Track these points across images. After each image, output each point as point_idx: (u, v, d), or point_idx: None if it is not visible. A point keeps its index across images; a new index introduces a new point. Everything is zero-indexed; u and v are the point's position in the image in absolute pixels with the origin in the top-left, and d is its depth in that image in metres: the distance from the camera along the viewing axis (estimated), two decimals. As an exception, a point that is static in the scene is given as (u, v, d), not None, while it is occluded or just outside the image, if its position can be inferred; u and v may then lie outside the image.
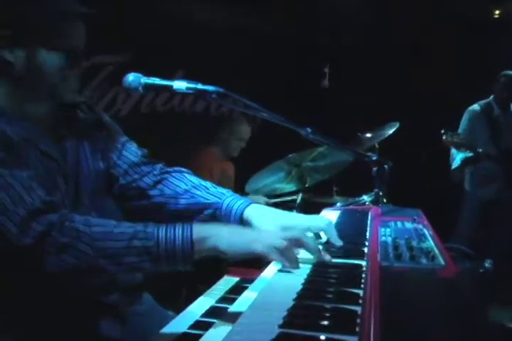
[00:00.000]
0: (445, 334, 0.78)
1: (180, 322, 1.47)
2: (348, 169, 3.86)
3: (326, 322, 0.82)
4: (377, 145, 3.95)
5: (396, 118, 3.99)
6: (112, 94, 4.33)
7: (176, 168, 1.72)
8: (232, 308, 1.39)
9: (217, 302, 1.66)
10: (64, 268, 1.21)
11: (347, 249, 1.40)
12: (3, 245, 1.23)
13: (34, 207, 1.24)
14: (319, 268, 1.21)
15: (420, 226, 1.66)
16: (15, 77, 1.41)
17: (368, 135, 3.99)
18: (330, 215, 2.07)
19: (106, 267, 1.22)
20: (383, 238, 1.46)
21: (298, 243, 1.29)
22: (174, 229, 1.26)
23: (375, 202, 3.69)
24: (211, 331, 1.25)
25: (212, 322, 1.46)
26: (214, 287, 1.81)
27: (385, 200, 3.83)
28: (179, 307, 1.85)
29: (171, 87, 1.58)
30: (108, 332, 1.49)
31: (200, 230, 1.27)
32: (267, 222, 1.51)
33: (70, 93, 1.48)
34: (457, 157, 4.57)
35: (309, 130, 1.87)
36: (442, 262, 1.19)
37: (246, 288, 1.78)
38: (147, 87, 1.59)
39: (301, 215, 1.58)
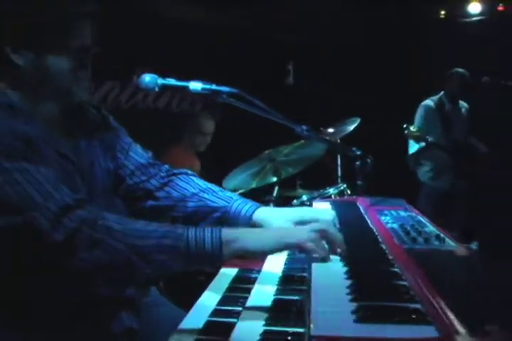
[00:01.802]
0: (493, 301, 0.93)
1: (199, 313, 1.52)
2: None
3: (389, 294, 0.96)
4: (338, 140, 4.14)
5: (356, 114, 4.21)
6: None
7: (182, 170, 1.76)
8: (251, 300, 1.48)
9: (226, 292, 1.75)
10: (96, 265, 1.24)
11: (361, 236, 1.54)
12: (32, 242, 1.24)
13: (65, 203, 1.26)
14: (350, 252, 1.33)
15: (413, 214, 1.82)
16: (23, 80, 1.42)
17: (330, 130, 4.17)
18: (321, 206, 2.21)
19: (137, 264, 1.25)
20: (389, 225, 1.60)
21: (324, 235, 1.34)
22: (203, 231, 1.30)
23: (356, 193, 3.88)
24: (243, 319, 1.34)
25: (233, 310, 1.57)
26: (216, 279, 1.87)
27: (349, 192, 4.03)
28: (180, 298, 1.94)
29: (187, 87, 1.67)
30: (129, 324, 1.55)
31: (229, 232, 1.31)
32: (278, 221, 1.58)
33: (82, 92, 1.50)
34: (413, 146, 4.88)
35: (304, 127, 2.00)
36: (453, 243, 1.35)
37: (249, 277, 1.89)
38: (163, 87, 1.68)
39: (309, 208, 1.67)
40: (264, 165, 3.51)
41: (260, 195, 3.54)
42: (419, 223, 1.62)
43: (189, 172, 1.78)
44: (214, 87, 1.68)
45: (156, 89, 1.68)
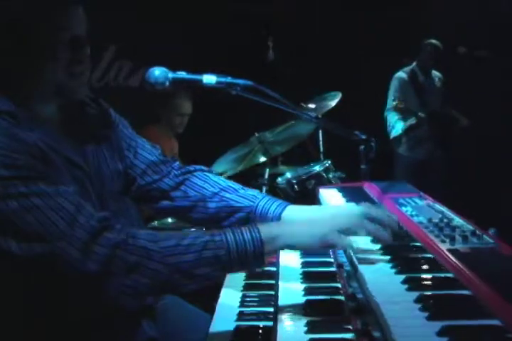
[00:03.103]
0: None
1: (223, 316, 1.53)
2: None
3: (463, 309, 0.94)
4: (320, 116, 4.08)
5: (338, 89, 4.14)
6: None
7: (196, 167, 1.68)
8: (282, 301, 1.45)
9: (244, 290, 1.71)
10: (136, 289, 1.18)
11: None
12: (60, 271, 1.16)
13: (92, 228, 1.18)
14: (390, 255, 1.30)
15: (430, 202, 1.79)
16: (16, 81, 1.30)
17: (312, 106, 4.09)
18: (330, 194, 2.16)
19: (180, 282, 1.21)
20: (415, 218, 1.56)
21: (371, 218, 1.32)
22: (242, 233, 1.25)
23: (327, 170, 3.86)
24: (281, 324, 1.29)
25: (261, 311, 1.55)
26: (228, 275, 1.85)
27: (334, 168, 4.00)
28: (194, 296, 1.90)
29: (200, 81, 1.59)
30: (149, 332, 1.51)
31: (268, 230, 1.28)
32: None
33: (81, 88, 1.38)
34: (396, 125, 4.87)
35: (314, 115, 1.97)
36: (491, 240, 1.33)
37: (262, 272, 1.85)
38: (174, 81, 1.59)
39: (337, 206, 1.62)
40: (253, 147, 3.45)
41: (251, 178, 3.48)
42: (445, 215, 1.58)
43: (204, 168, 1.69)
44: (229, 79, 1.59)
45: (167, 84, 1.58)
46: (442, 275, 1.14)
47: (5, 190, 1.13)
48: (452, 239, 1.33)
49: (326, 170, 3.72)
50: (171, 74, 1.58)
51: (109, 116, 1.57)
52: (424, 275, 1.14)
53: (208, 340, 1.39)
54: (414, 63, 5.10)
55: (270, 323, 1.44)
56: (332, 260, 1.77)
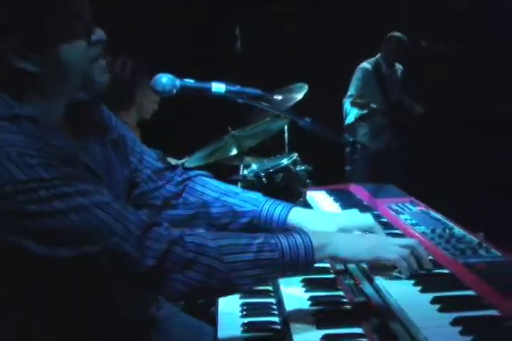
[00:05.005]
0: None
1: (228, 328, 1.50)
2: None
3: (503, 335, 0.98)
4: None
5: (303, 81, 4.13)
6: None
7: (196, 172, 1.64)
8: (289, 309, 1.46)
9: (241, 297, 1.67)
10: (191, 286, 1.18)
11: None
12: (114, 271, 1.17)
13: (142, 222, 1.17)
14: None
15: (424, 209, 1.82)
16: (46, 85, 1.21)
17: (278, 97, 4.06)
18: (320, 198, 2.15)
19: (235, 281, 1.22)
20: (417, 228, 1.59)
21: (412, 251, 1.32)
22: (294, 238, 1.29)
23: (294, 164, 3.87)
24: (297, 336, 1.31)
25: (264, 321, 1.54)
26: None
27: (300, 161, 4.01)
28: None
29: (209, 89, 1.55)
30: None
31: (319, 238, 1.30)
32: (318, 226, 1.48)
33: (102, 76, 1.29)
34: (351, 113, 4.93)
35: (308, 120, 1.95)
36: (498, 253, 1.38)
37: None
38: (183, 89, 1.55)
39: (349, 214, 1.60)
40: (226, 141, 3.42)
41: (226, 175, 3.45)
42: (445, 225, 1.62)
43: (202, 172, 1.65)
44: (238, 88, 1.56)
45: (174, 92, 1.54)
46: (465, 293, 1.18)
47: (48, 192, 1.08)
48: (462, 253, 1.38)
49: (294, 163, 3.73)
50: (178, 82, 1.53)
51: (111, 119, 1.51)
52: (449, 294, 1.17)
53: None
54: (379, 55, 5.17)
55: (279, 335, 1.45)
56: (329, 265, 1.78)
